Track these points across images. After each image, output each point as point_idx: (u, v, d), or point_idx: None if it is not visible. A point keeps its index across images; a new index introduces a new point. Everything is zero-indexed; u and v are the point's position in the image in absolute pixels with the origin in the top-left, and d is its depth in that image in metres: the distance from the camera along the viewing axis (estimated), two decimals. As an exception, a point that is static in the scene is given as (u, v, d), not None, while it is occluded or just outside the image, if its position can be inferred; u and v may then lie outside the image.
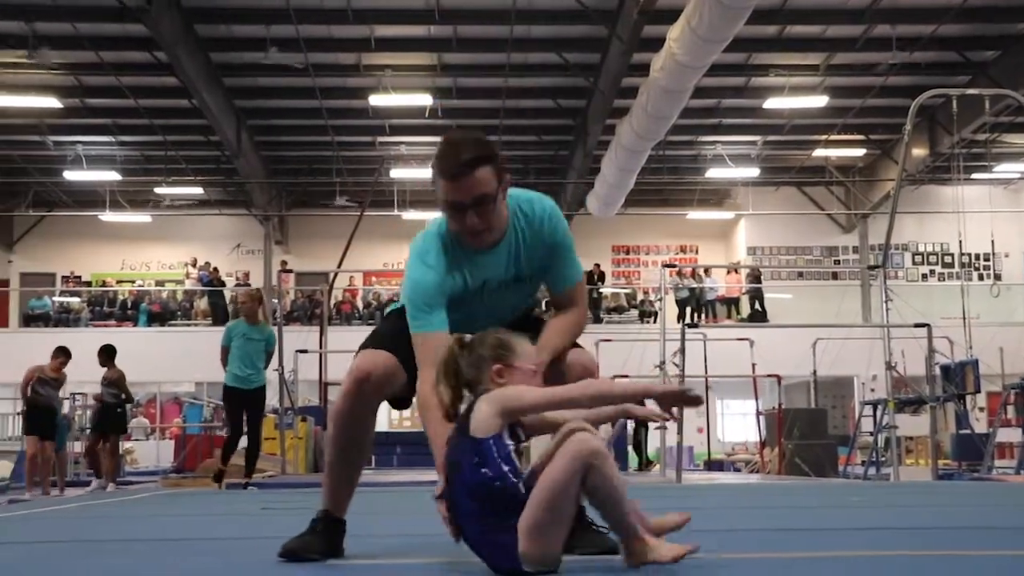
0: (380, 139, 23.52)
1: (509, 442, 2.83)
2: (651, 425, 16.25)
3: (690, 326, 13.61)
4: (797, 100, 20.70)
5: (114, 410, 12.85)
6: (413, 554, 3.55)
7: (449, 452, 2.90)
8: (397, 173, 23.83)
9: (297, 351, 14.68)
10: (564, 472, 2.70)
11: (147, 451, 22.02)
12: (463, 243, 3.35)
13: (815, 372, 17.16)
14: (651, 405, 2.97)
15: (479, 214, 3.25)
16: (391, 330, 3.51)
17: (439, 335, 3.27)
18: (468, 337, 3.04)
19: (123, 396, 12.89)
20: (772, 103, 20.71)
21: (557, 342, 3.41)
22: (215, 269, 25.99)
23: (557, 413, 2.92)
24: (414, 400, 3.42)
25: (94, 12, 16.99)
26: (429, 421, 3.13)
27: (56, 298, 26.38)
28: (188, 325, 24.73)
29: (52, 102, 20.22)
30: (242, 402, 10.34)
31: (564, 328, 3.49)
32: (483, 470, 2.76)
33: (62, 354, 12.49)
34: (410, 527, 4.80)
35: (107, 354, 12.76)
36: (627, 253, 28.75)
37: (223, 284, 25.76)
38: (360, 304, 25.86)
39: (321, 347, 16.36)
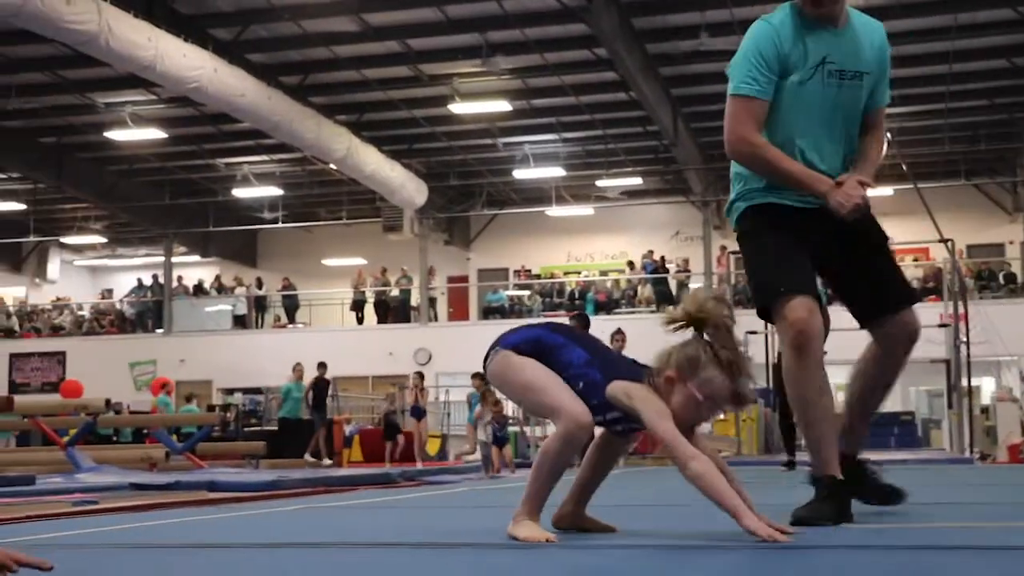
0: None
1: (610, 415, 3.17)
2: None
3: None
4: None
5: None
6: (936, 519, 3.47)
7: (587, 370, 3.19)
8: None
9: (747, 332, 14.72)
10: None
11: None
12: (810, 14, 3.54)
13: None
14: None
15: None
16: (791, 258, 3.56)
17: (763, 104, 3.52)
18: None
19: None
20: None
21: (874, 155, 3.72)
22: (662, 258, 26.59)
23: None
24: None
25: (539, 16, 17.94)
26: (778, 160, 3.56)
27: (509, 292, 28.10)
28: (632, 312, 25.47)
29: (503, 106, 21.57)
30: None
31: (879, 142, 3.76)
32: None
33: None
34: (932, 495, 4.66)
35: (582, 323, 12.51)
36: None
37: (667, 271, 26.31)
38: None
39: (767, 328, 16.28)
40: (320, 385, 19.23)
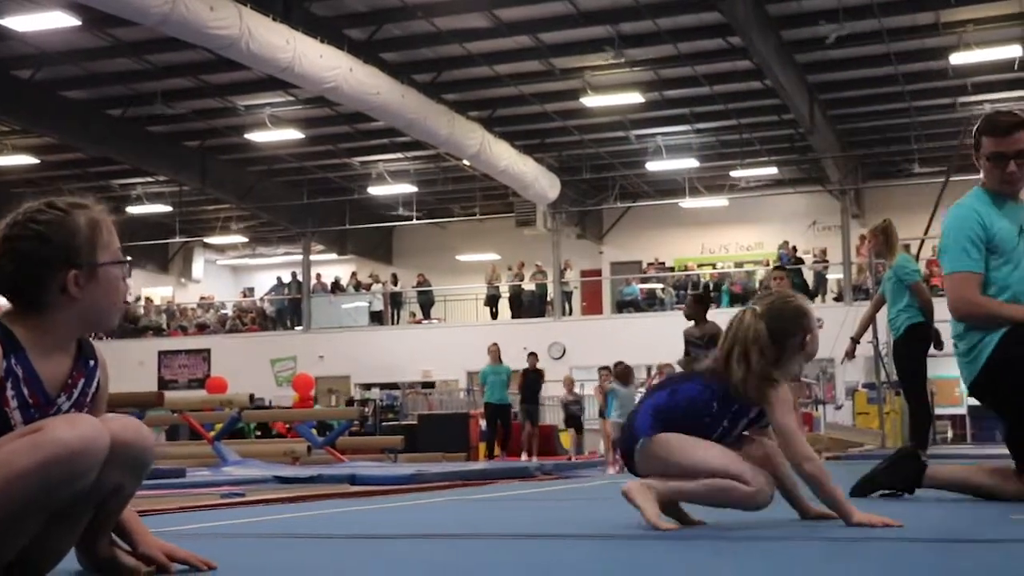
0: (961, 100, 22.25)
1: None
2: None
3: None
4: None
5: None
6: None
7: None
8: (982, 134, 22.36)
9: (890, 323, 14.27)
10: None
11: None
12: (998, 196, 4.19)
13: None
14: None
15: (1018, 166, 4.10)
16: None
17: (980, 276, 4.08)
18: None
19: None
20: None
21: None
22: (794, 248, 26.09)
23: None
24: None
25: (671, 6, 17.76)
26: (1004, 309, 4.05)
27: (642, 285, 27.91)
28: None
29: (635, 97, 21.40)
30: None
31: None
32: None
33: None
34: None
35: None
36: None
37: (801, 262, 25.78)
38: (946, 275, 24.64)
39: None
40: (530, 377, 18.35)
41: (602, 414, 13.61)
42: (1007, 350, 4.07)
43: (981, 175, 4.31)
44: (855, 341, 8.76)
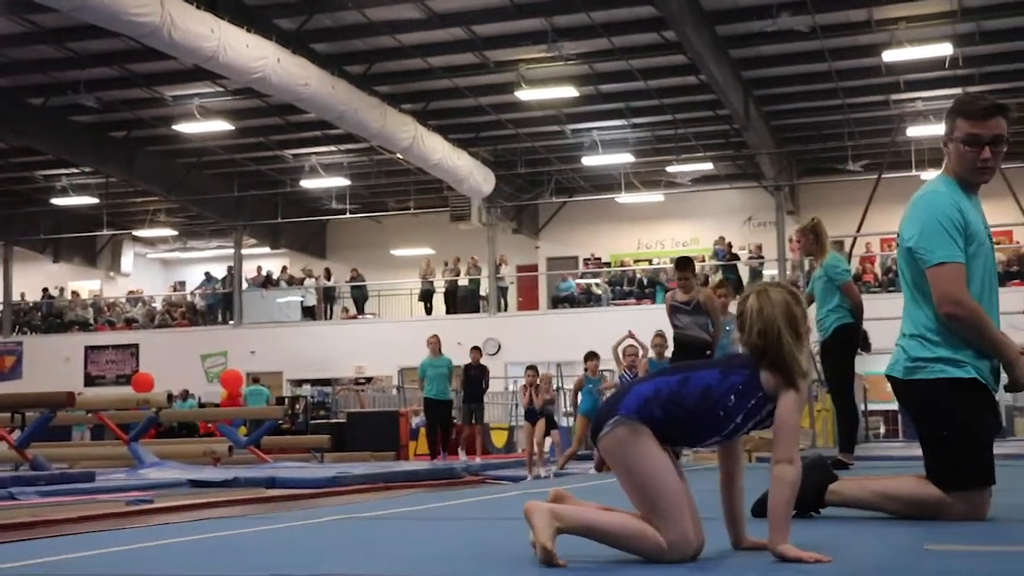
0: (894, 97, 22.36)
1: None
2: None
3: None
4: None
5: None
6: None
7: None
8: (914, 131, 22.55)
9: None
10: None
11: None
12: (967, 186, 3.96)
13: None
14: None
15: (993, 153, 3.88)
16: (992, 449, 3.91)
17: (964, 267, 3.80)
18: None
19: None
20: None
21: None
22: (729, 244, 26.11)
23: None
24: None
25: (607, 0, 17.59)
26: (987, 326, 3.80)
27: (579, 280, 27.78)
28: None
29: (570, 91, 21.21)
30: None
31: None
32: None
33: None
34: None
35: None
36: None
37: (737, 258, 25.81)
38: (879, 271, 24.82)
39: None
40: (473, 373, 16.64)
41: (577, 409, 13.17)
42: (940, 387, 3.90)
43: (945, 162, 4.05)
44: None
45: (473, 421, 16.77)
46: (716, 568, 2.81)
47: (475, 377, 16.52)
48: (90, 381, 27.72)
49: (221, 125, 22.74)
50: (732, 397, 2.93)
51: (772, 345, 2.95)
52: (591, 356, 12.55)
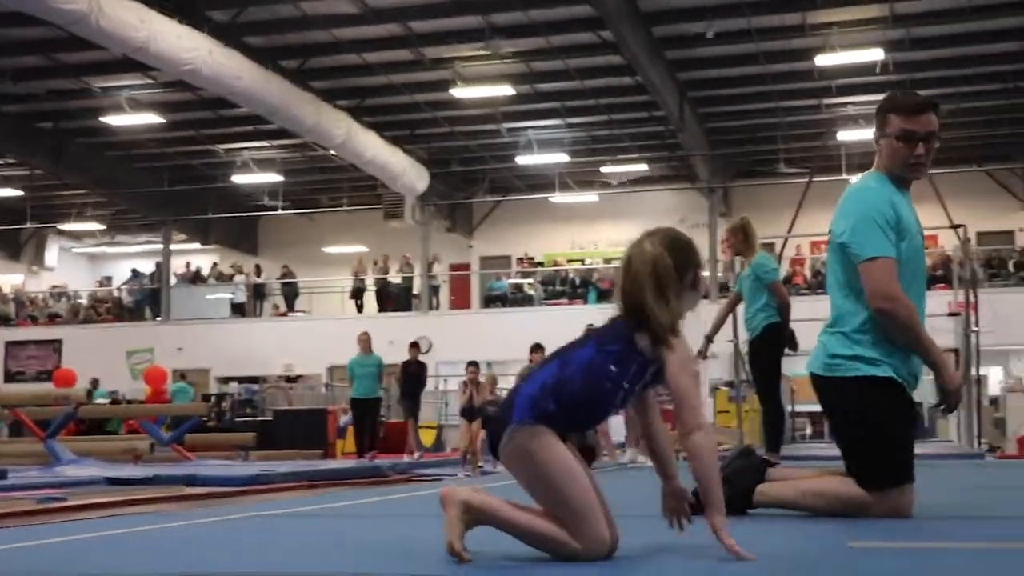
0: (826, 101, 22.59)
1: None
2: None
3: None
4: None
5: None
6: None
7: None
8: (845, 135, 22.81)
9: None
10: None
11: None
12: (900, 182, 3.96)
13: None
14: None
15: (926, 149, 3.89)
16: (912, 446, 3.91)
17: (895, 263, 3.78)
18: None
19: None
20: None
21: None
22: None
23: None
24: None
25: (543, -2, 17.57)
26: (919, 324, 3.81)
27: (512, 280, 27.72)
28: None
29: (506, 90, 21.13)
30: None
31: None
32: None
33: None
34: None
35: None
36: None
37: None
38: (808, 273, 25.09)
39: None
40: (412, 370, 16.12)
41: None
42: (860, 385, 3.89)
43: (877, 159, 4.04)
44: (709, 340, 8.61)
45: (412, 419, 16.39)
46: (633, 567, 2.73)
47: (414, 373, 16.14)
48: (10, 377, 27.13)
49: (151, 118, 22.34)
50: (612, 367, 2.81)
51: (637, 304, 2.83)
52: (537, 348, 12.57)
